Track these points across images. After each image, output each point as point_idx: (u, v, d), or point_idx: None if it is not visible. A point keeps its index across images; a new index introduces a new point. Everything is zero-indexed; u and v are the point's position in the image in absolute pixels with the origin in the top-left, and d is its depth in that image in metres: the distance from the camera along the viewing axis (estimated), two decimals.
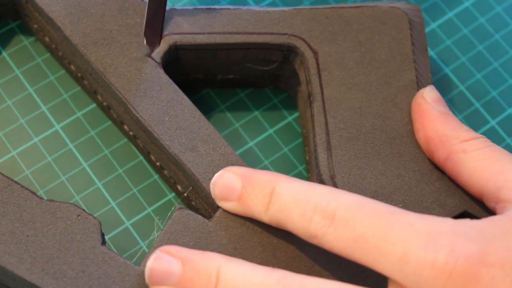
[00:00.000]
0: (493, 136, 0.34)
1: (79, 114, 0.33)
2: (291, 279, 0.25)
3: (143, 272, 0.27)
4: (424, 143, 0.29)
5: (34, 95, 0.33)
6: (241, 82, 0.33)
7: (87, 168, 0.32)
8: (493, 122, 0.34)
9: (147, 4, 0.30)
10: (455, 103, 0.34)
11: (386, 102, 0.31)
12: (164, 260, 0.26)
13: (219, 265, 0.25)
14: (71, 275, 0.27)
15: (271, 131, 0.33)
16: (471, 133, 0.29)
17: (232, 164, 0.29)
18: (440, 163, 0.29)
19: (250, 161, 0.32)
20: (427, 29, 0.35)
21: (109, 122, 0.33)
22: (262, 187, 0.26)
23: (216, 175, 0.28)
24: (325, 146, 0.30)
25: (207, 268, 0.25)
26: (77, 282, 0.27)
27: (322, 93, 0.30)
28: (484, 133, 0.34)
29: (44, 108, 0.33)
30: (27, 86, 0.33)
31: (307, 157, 0.32)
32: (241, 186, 0.27)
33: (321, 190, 0.26)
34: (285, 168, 0.32)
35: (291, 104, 0.34)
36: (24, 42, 0.34)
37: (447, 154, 0.28)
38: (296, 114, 0.34)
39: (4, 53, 0.33)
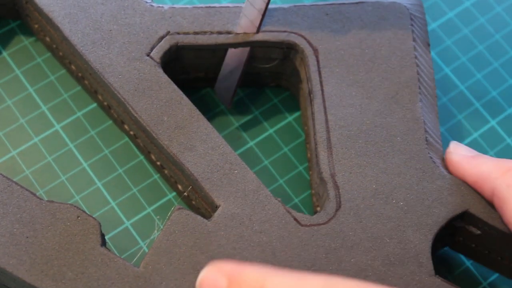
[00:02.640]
0: (493, 136, 0.33)
1: (79, 114, 0.33)
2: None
3: (142, 273, 0.27)
4: (475, 188, 0.29)
5: (34, 95, 0.33)
6: (242, 80, 0.33)
7: (87, 168, 0.32)
8: (493, 122, 0.34)
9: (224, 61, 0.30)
10: (455, 103, 0.34)
11: (387, 99, 0.30)
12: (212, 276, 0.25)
13: (264, 279, 0.24)
14: (71, 277, 0.27)
15: (271, 131, 0.33)
16: (510, 163, 0.28)
17: (231, 163, 0.29)
18: (490, 200, 0.28)
19: (250, 161, 0.32)
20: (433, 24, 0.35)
21: (109, 122, 0.33)
22: (250, 286, 0.25)
23: (201, 274, 0.26)
24: (326, 144, 0.29)
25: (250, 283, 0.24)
26: (77, 283, 0.27)
27: (322, 90, 0.30)
28: (484, 133, 0.33)
29: (44, 108, 0.33)
30: (27, 86, 0.33)
31: (309, 155, 0.32)
32: (227, 287, 0.25)
33: (314, 283, 0.24)
34: (285, 168, 0.32)
35: (291, 103, 0.33)
36: (24, 42, 0.34)
37: (491, 191, 0.28)
38: (297, 114, 0.33)
39: (4, 53, 0.33)
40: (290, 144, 0.33)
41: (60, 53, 0.33)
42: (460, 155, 0.29)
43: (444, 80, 0.34)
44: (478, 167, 0.28)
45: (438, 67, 0.34)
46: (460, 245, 0.30)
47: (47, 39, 0.33)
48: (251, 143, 0.33)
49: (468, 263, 0.31)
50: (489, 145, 0.33)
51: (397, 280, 0.27)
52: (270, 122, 0.33)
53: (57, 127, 0.33)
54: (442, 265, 0.31)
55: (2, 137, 0.32)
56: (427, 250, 0.28)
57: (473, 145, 0.32)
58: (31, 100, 0.33)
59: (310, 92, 0.31)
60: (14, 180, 0.31)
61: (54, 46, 0.33)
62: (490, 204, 0.28)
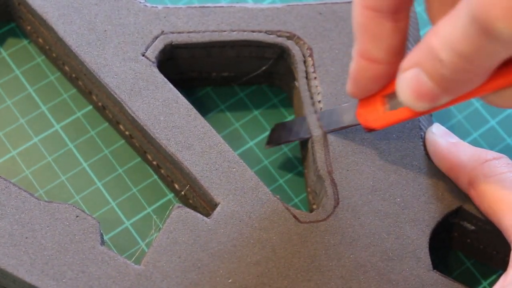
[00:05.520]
0: (493, 136, 0.32)
1: (79, 114, 0.32)
2: None
3: (143, 271, 0.26)
4: (448, 174, 0.27)
5: (34, 95, 0.32)
6: (236, 79, 0.32)
7: (87, 168, 0.31)
8: (493, 122, 0.32)
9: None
10: None
11: None
12: None
13: None
14: (71, 276, 0.26)
15: None
16: (491, 153, 0.26)
17: (229, 161, 0.28)
18: (464, 190, 0.27)
19: (250, 161, 0.31)
20: (427, 29, 0.33)
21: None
22: None
23: None
24: (322, 142, 0.28)
25: None
26: (77, 282, 0.26)
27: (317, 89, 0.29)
28: (484, 133, 0.32)
29: (44, 108, 0.32)
30: (27, 86, 0.32)
31: (303, 153, 0.31)
32: None
33: None
34: (284, 167, 0.31)
35: (290, 103, 0.32)
36: (24, 42, 0.33)
37: (468, 179, 0.26)
38: None
39: (4, 53, 0.32)
40: (290, 144, 0.32)
41: (54, 55, 0.32)
42: (445, 139, 0.28)
43: None
44: (457, 155, 0.27)
45: None
46: (455, 241, 0.29)
47: (40, 40, 0.32)
48: (251, 143, 0.32)
49: (468, 263, 0.30)
50: (489, 145, 0.32)
51: (396, 275, 0.26)
52: (269, 121, 0.32)
53: (57, 127, 0.31)
54: (442, 265, 0.30)
55: (2, 137, 0.31)
56: (425, 245, 0.27)
57: (473, 145, 0.30)
58: (30, 100, 0.32)
59: None
60: (14, 180, 0.30)
61: (47, 47, 0.32)
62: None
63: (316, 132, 0.28)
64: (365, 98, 0.25)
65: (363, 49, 0.23)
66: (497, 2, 0.18)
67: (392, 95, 0.24)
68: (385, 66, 0.24)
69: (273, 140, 0.29)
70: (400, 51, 0.23)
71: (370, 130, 0.26)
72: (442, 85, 0.21)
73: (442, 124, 0.29)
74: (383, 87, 0.25)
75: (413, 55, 0.22)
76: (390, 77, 0.24)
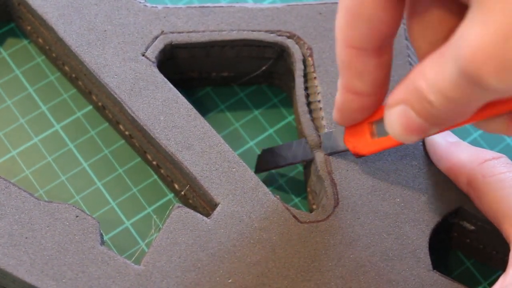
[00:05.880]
0: (493, 136, 0.32)
1: (79, 114, 0.32)
2: None
3: (143, 271, 0.26)
4: (447, 174, 0.27)
5: (34, 95, 0.32)
6: (235, 79, 0.32)
7: (87, 168, 0.31)
8: None
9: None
10: None
11: None
12: None
13: None
14: (71, 276, 0.26)
15: (271, 130, 0.32)
16: (490, 153, 0.26)
17: (230, 161, 0.27)
18: (464, 190, 0.27)
19: (250, 161, 0.31)
20: None
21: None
22: None
23: None
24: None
25: None
26: (77, 282, 0.25)
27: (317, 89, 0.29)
28: (484, 133, 0.32)
29: (44, 108, 0.32)
30: (27, 86, 0.32)
31: None
32: None
33: None
34: (285, 168, 0.31)
35: (290, 103, 0.32)
36: (24, 42, 0.33)
37: (467, 179, 0.26)
38: None
39: (4, 53, 0.32)
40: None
41: (53, 55, 0.31)
42: (444, 139, 0.27)
43: None
44: (456, 155, 0.27)
45: None
46: (455, 241, 0.29)
47: (40, 40, 0.32)
48: (251, 143, 0.31)
49: (468, 263, 0.30)
50: (489, 145, 0.32)
51: (396, 275, 0.26)
52: (269, 121, 0.32)
53: (57, 127, 0.31)
54: (442, 265, 0.29)
55: (2, 137, 0.31)
56: (425, 245, 0.27)
57: (473, 145, 0.30)
58: (30, 100, 0.32)
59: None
60: (14, 180, 0.30)
61: (47, 47, 0.31)
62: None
63: (319, 155, 0.27)
64: (352, 125, 0.25)
65: (348, 83, 0.23)
66: (488, 59, 0.18)
67: (379, 122, 0.24)
68: (371, 97, 0.24)
69: (262, 167, 0.29)
70: (385, 82, 0.23)
71: (359, 156, 0.26)
72: (431, 121, 0.21)
73: None
74: (369, 115, 0.25)
75: (399, 93, 0.22)
76: (375, 107, 0.24)
